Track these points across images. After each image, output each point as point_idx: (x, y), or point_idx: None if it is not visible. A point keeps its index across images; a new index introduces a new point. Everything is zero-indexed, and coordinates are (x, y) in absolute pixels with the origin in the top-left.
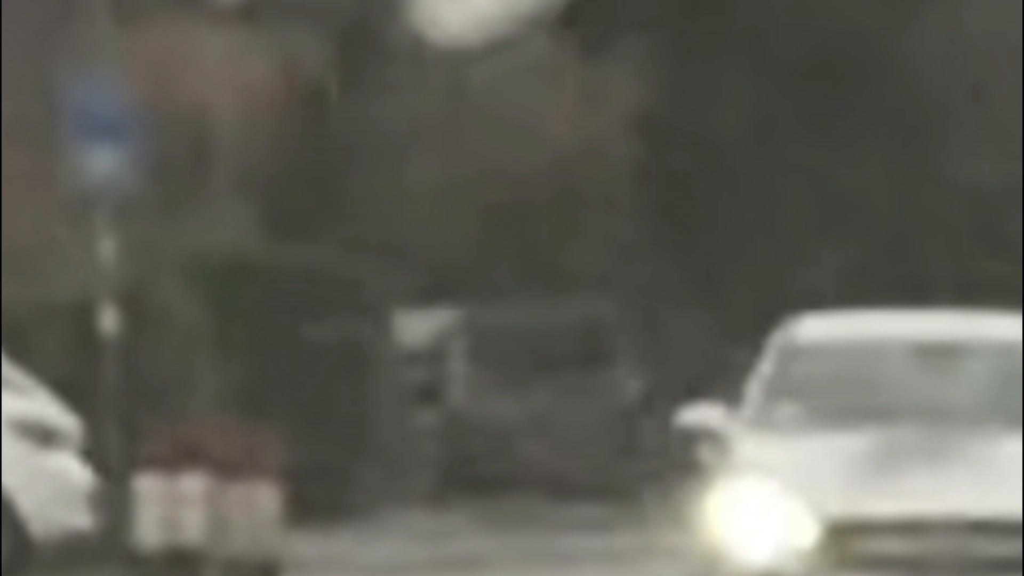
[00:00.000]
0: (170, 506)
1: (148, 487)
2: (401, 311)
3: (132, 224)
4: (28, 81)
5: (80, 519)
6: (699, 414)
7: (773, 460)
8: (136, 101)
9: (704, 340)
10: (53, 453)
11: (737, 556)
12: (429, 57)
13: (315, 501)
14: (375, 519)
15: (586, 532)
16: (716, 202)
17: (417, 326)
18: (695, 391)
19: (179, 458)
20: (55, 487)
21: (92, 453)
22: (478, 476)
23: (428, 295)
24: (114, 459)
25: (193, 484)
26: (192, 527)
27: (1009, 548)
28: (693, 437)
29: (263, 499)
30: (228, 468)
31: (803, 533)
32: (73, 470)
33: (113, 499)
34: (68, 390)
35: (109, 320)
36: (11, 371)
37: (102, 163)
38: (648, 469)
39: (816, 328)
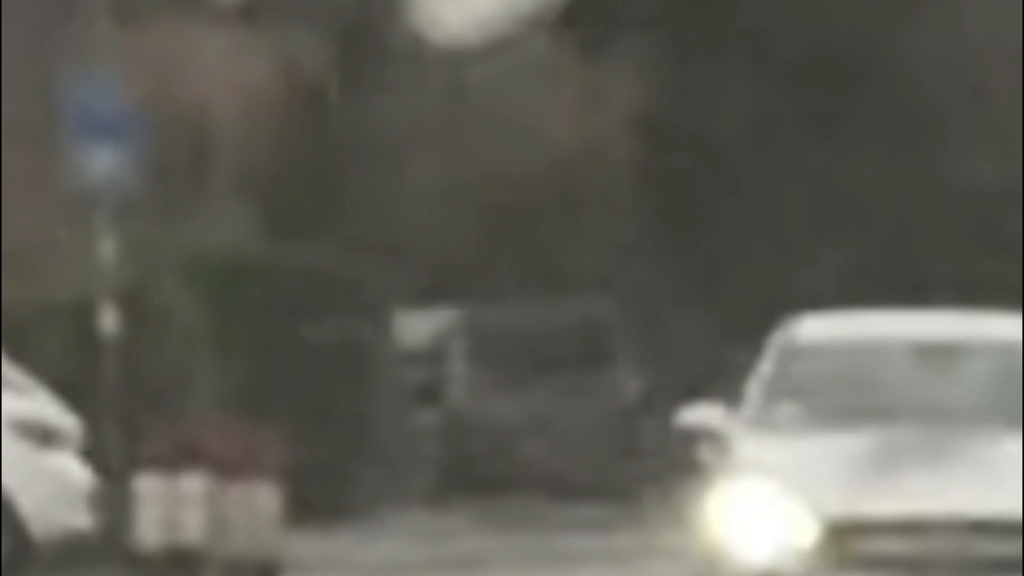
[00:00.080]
0: (170, 506)
1: (148, 487)
2: (401, 311)
3: (132, 224)
4: (28, 81)
5: (80, 519)
6: (699, 414)
7: (773, 460)
8: (136, 101)
9: (704, 340)
10: (53, 453)
11: (737, 556)
12: (429, 57)
13: (315, 501)
14: (375, 519)
15: (586, 532)
16: (716, 202)
17: (417, 326)
18: (695, 391)
19: (179, 458)
20: (55, 487)
21: (92, 453)
22: (478, 476)
23: (428, 295)
24: (114, 459)
25: (193, 484)
26: (192, 527)
27: (1009, 548)
28: (693, 437)
29: (263, 499)
30: (228, 468)
31: (803, 533)
32: (73, 470)
33: (113, 499)
34: (68, 390)
35: (109, 320)
36: (11, 371)
37: (102, 163)
38: (648, 469)
39: (816, 328)
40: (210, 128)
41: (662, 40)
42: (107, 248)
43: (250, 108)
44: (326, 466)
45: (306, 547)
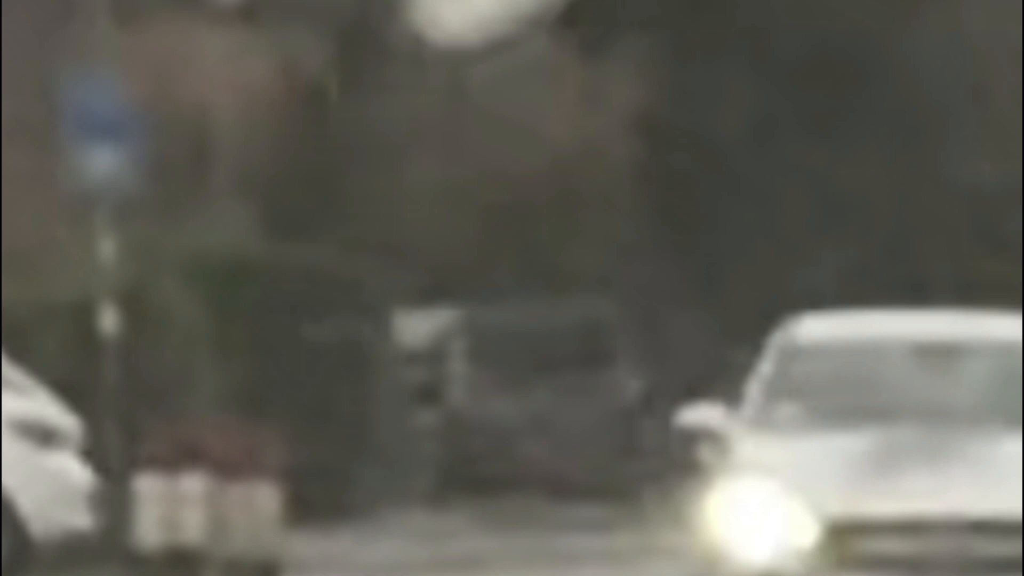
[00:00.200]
0: (170, 506)
1: (148, 487)
2: (401, 311)
3: (132, 224)
4: (28, 81)
5: (80, 519)
6: (699, 414)
7: (773, 460)
8: (136, 101)
9: (704, 340)
10: (53, 453)
11: (737, 556)
12: (429, 57)
13: (315, 501)
14: (375, 519)
15: (586, 532)
16: (716, 202)
17: (417, 326)
18: (695, 391)
19: (179, 458)
20: (55, 487)
21: (92, 453)
22: (478, 476)
23: (428, 295)
24: (114, 459)
25: (193, 484)
26: (192, 527)
27: (1009, 548)
28: (693, 437)
29: (263, 499)
30: (228, 468)
31: (803, 533)
32: (73, 470)
33: (113, 499)
34: (68, 390)
35: (109, 320)
36: (11, 371)
37: (102, 163)
38: (648, 469)
39: (816, 328)
40: (210, 128)
41: (662, 40)
42: (107, 248)
43: (250, 108)
44: (326, 466)
45: (306, 547)
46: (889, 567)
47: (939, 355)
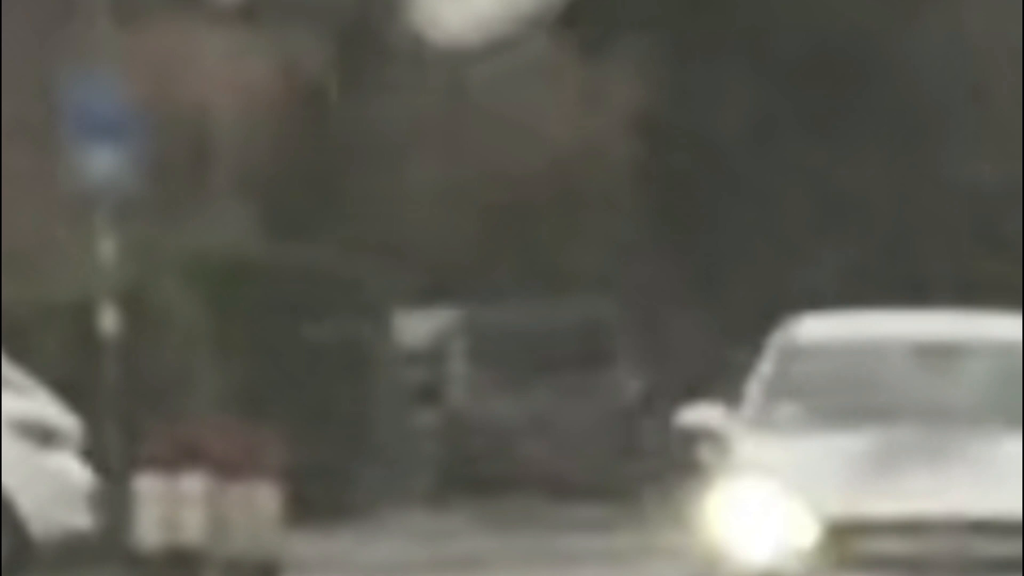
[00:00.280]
0: (170, 506)
1: (148, 487)
2: (401, 311)
3: (132, 224)
4: (28, 81)
5: (80, 519)
6: (699, 414)
7: (773, 460)
8: (136, 101)
9: (704, 340)
10: (53, 453)
11: (737, 556)
12: (429, 57)
13: (315, 501)
14: (375, 519)
15: (586, 532)
16: (716, 202)
17: (417, 326)
18: (695, 391)
19: (179, 458)
20: (55, 487)
21: (92, 453)
22: (478, 476)
23: (428, 295)
24: (114, 459)
25: (193, 484)
26: (192, 527)
27: (1009, 548)
28: (693, 437)
29: (263, 499)
30: (228, 468)
31: (803, 533)
32: (73, 470)
33: (113, 499)
34: (68, 390)
35: (109, 320)
36: (11, 371)
37: (102, 163)
38: (648, 469)
39: (816, 328)
40: (210, 128)
41: (662, 40)
42: (107, 248)
43: (250, 108)
44: (326, 466)
45: (306, 547)
46: (889, 567)
47: (939, 355)
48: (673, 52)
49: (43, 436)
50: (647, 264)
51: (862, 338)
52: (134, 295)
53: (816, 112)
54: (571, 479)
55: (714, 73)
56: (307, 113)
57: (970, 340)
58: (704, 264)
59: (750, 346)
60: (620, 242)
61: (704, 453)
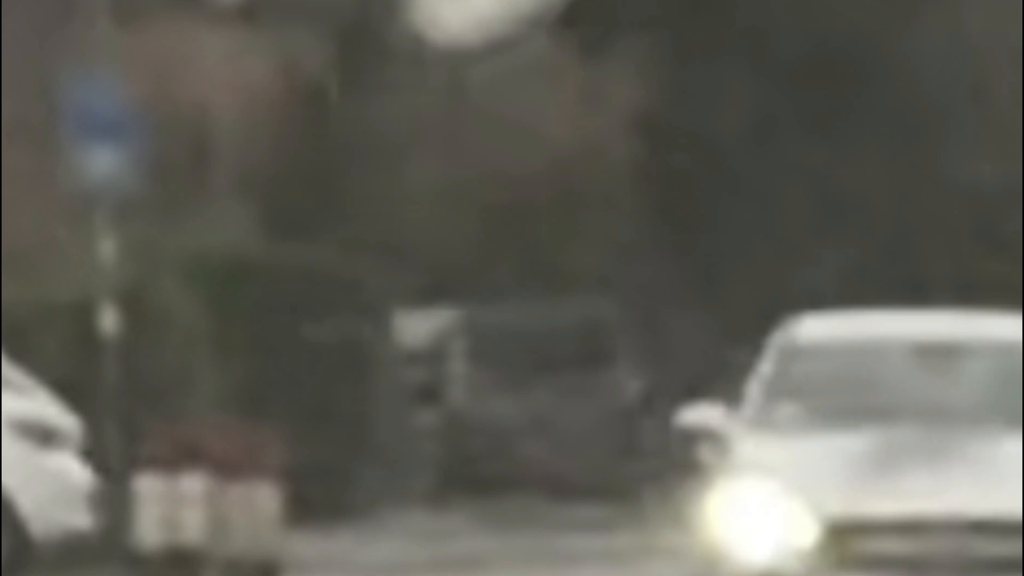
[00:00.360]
0: (170, 506)
1: (148, 487)
2: (401, 311)
3: (132, 224)
4: (28, 81)
5: (80, 519)
6: (699, 414)
7: (773, 460)
8: (136, 101)
9: (704, 340)
10: (53, 453)
11: (737, 556)
12: (429, 57)
13: (315, 501)
14: (375, 519)
15: (586, 532)
16: (716, 202)
17: (417, 326)
18: (695, 391)
19: (179, 458)
20: (55, 487)
21: (92, 453)
22: (478, 476)
23: (428, 295)
24: (114, 459)
25: (193, 484)
26: (192, 527)
27: (1009, 548)
28: (693, 437)
29: (263, 499)
30: (228, 468)
31: (803, 533)
32: (73, 470)
33: (113, 499)
34: (68, 390)
35: (109, 320)
36: (11, 371)
37: (102, 163)
38: (648, 469)
39: (816, 328)
40: (210, 128)
41: (662, 40)
42: (107, 248)
43: (250, 108)
44: (326, 466)
45: (306, 547)
46: (889, 567)
47: (939, 355)
48: (673, 52)
49: (43, 436)
50: (647, 264)
51: (862, 338)
52: (134, 295)
53: (816, 112)
54: (571, 479)
55: (714, 73)
56: (307, 113)
57: (970, 340)
58: (704, 264)
59: (750, 346)
60: (620, 242)
61: (704, 453)
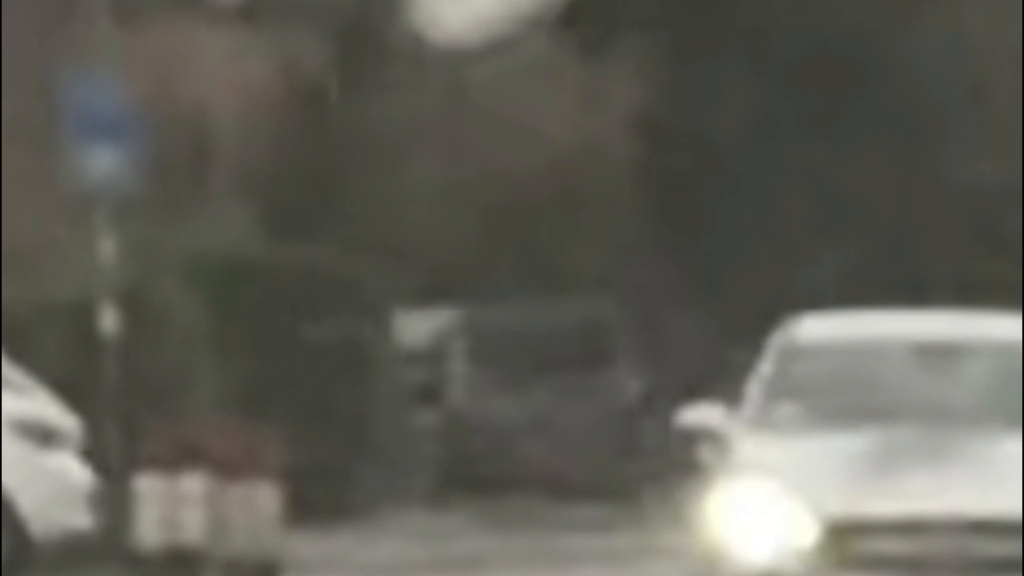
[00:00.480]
0: (170, 506)
1: (148, 487)
2: (401, 311)
3: (132, 224)
4: (28, 81)
5: (80, 519)
6: (699, 414)
7: (773, 460)
8: (136, 101)
9: (704, 340)
10: (53, 453)
11: (737, 556)
12: (429, 57)
13: (315, 501)
14: (375, 519)
15: (586, 532)
16: (716, 202)
17: (417, 326)
18: (695, 391)
19: (179, 458)
20: (55, 487)
21: (92, 453)
22: (478, 476)
23: (428, 295)
24: (114, 459)
25: (193, 484)
26: (192, 527)
27: (1009, 548)
28: (693, 437)
29: (263, 499)
30: (228, 468)
31: (803, 533)
32: (73, 470)
33: (113, 499)
34: (68, 390)
35: (109, 320)
36: (11, 371)
37: (102, 163)
38: (648, 469)
39: (816, 328)
40: (210, 128)
41: (662, 40)
42: (107, 248)
43: (250, 108)
44: (326, 466)
45: (306, 547)
46: (889, 567)
47: (939, 355)
48: (673, 52)
49: (43, 436)
50: (647, 264)
51: (862, 338)
52: (134, 295)
53: (816, 112)
54: (571, 479)
55: (714, 73)
56: (307, 113)
57: (970, 340)
58: (704, 264)
59: (750, 346)
60: (620, 242)
61: (704, 453)
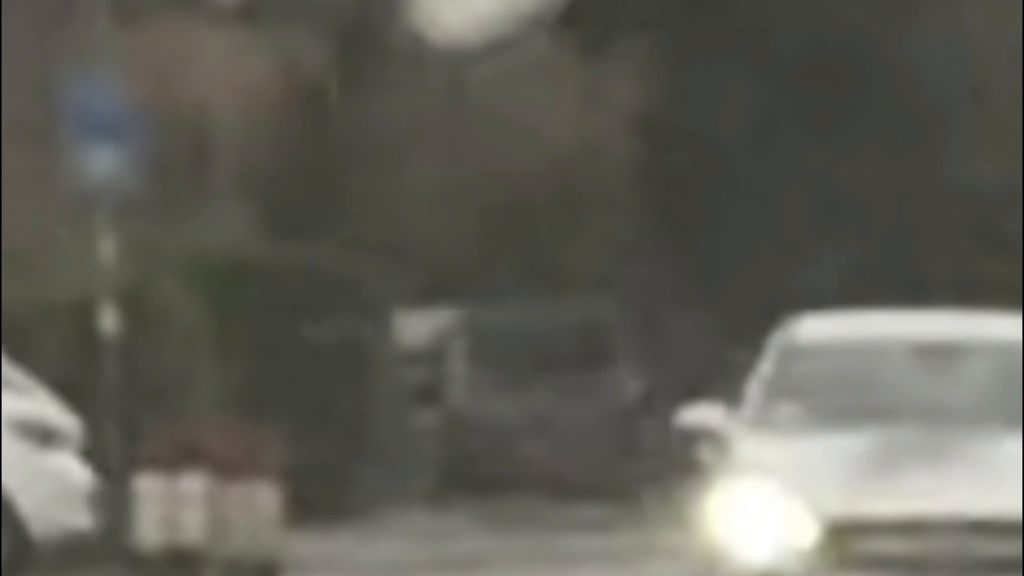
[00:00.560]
0: (170, 506)
1: (148, 487)
2: (401, 311)
3: (132, 224)
4: (28, 81)
5: (80, 519)
6: (699, 414)
7: (773, 460)
8: (136, 101)
9: (704, 340)
10: (53, 453)
11: (737, 556)
12: (429, 57)
13: (315, 501)
14: (375, 519)
15: (586, 532)
16: (716, 202)
17: (417, 326)
18: (695, 391)
19: (179, 458)
20: (55, 487)
21: (92, 453)
22: (478, 476)
23: (428, 295)
24: (114, 459)
25: (193, 484)
26: (192, 527)
27: (1009, 548)
28: (693, 437)
29: (263, 499)
30: (228, 468)
31: (803, 533)
32: (73, 470)
33: (113, 499)
34: (68, 390)
35: (109, 320)
36: (11, 371)
37: (102, 163)
38: (648, 469)
39: (816, 328)
40: (210, 128)
41: (662, 40)
42: (107, 248)
43: (250, 108)
44: (326, 466)
45: (306, 547)
46: (889, 567)
47: (939, 355)
48: (673, 52)
49: (43, 436)
50: (647, 264)
51: (862, 338)
52: (134, 295)
53: (816, 112)
54: (571, 479)
55: (714, 73)
56: (307, 113)
57: (970, 340)
58: (704, 264)
59: (750, 346)
60: (620, 242)
61: (704, 453)
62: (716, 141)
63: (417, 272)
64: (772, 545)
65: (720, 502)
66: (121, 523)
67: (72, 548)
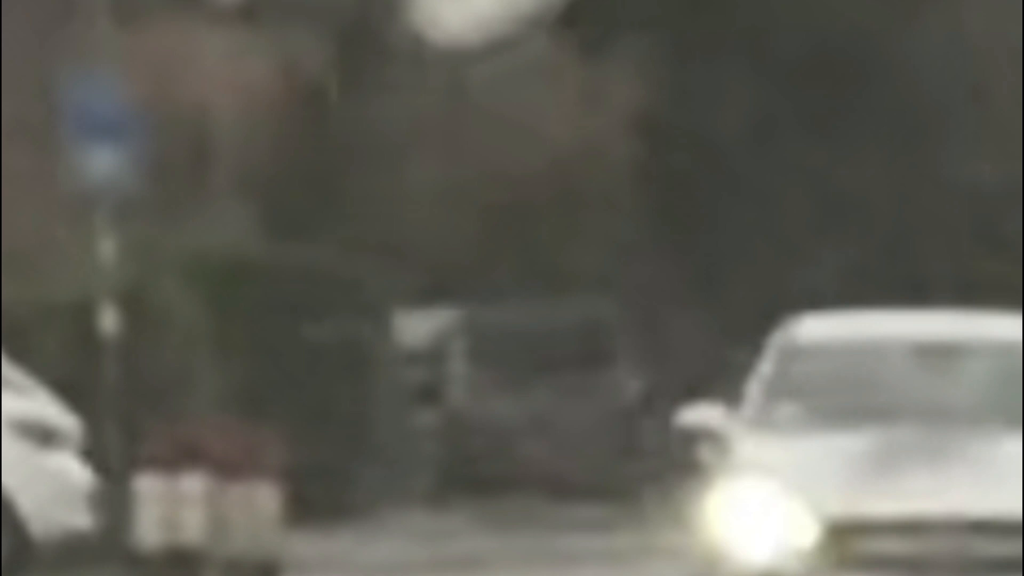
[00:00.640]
0: (170, 506)
1: (148, 487)
2: (401, 311)
3: (132, 224)
4: (28, 81)
5: (80, 519)
6: (699, 414)
7: (773, 460)
8: (136, 101)
9: (704, 340)
10: (53, 453)
11: (737, 556)
12: (429, 57)
13: (315, 501)
14: (375, 519)
15: (586, 532)
16: (716, 202)
17: (417, 326)
18: (695, 391)
19: (179, 458)
20: (55, 487)
21: (92, 453)
22: (478, 476)
23: (428, 295)
24: (114, 459)
25: (193, 484)
26: (192, 527)
27: (1009, 548)
28: (693, 437)
29: (263, 499)
30: (228, 468)
31: (803, 533)
32: (73, 470)
33: (113, 499)
34: (68, 390)
35: (109, 320)
36: (11, 371)
37: (102, 163)
38: (648, 469)
39: (816, 328)
40: (210, 128)
41: (662, 40)
42: (107, 248)
43: (250, 108)
44: (326, 466)
45: (306, 547)
46: (889, 567)
47: (939, 355)
48: (673, 52)
49: (43, 436)
50: (647, 264)
51: (862, 338)
52: (134, 295)
53: (816, 112)
54: (571, 479)
55: (714, 73)
56: (307, 113)
57: (970, 340)
58: (704, 264)
59: (750, 346)
60: (620, 242)
61: (704, 453)
62: (716, 141)
63: (417, 272)
64: (772, 545)
65: (720, 502)
66: (121, 523)
67: (72, 548)
